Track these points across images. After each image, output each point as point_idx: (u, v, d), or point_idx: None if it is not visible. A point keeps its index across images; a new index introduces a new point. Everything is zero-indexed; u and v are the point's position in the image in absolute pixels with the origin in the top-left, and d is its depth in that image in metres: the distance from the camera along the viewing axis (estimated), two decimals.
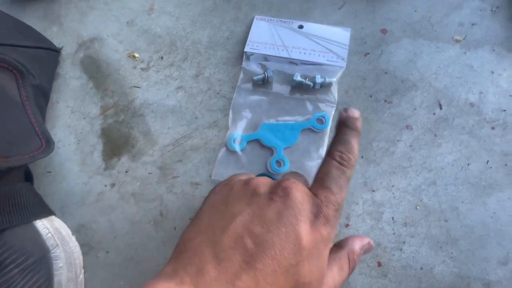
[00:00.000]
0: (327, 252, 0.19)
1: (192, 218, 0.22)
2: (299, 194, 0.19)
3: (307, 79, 0.30)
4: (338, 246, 0.21)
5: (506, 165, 0.27)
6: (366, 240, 0.22)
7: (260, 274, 0.16)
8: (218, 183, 0.23)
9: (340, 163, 0.20)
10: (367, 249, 0.22)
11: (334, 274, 0.20)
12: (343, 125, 0.20)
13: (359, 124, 0.20)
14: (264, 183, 0.20)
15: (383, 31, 0.33)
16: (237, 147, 0.29)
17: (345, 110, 0.20)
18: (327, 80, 0.29)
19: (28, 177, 0.28)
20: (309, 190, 0.20)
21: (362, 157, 0.29)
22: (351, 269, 0.21)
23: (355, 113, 0.20)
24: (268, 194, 0.19)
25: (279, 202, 0.18)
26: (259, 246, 0.17)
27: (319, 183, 0.20)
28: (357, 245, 0.21)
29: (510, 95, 0.29)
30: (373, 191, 0.28)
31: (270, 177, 0.22)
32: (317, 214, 0.18)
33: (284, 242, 0.17)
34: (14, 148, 0.24)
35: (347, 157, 0.20)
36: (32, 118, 0.27)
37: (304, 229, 0.18)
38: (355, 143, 0.20)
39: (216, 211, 0.20)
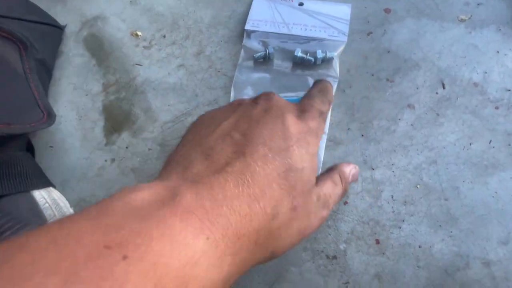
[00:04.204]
0: (316, 142, 0.19)
1: None
2: (282, 99, 0.20)
3: (308, 55, 0.29)
4: (329, 169, 0.23)
5: (509, 144, 0.27)
6: (352, 165, 0.24)
7: (251, 158, 0.16)
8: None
9: (320, 89, 0.23)
10: (353, 174, 0.24)
11: (329, 186, 0.21)
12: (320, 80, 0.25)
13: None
14: (247, 98, 0.21)
15: (387, 10, 0.32)
16: None
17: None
18: (328, 54, 0.29)
19: (30, 149, 0.29)
20: None
21: (362, 135, 0.28)
22: (344, 188, 0.23)
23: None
24: (252, 101, 0.20)
25: (264, 103, 0.19)
26: (248, 136, 0.17)
27: (303, 99, 0.22)
28: (345, 167, 0.23)
29: None
30: (373, 169, 0.27)
31: None
32: (302, 110, 0.20)
33: (272, 130, 0.18)
34: (16, 116, 0.24)
35: (326, 88, 0.24)
36: (34, 90, 0.27)
37: (291, 119, 0.18)
38: (330, 86, 0.25)
39: (202, 124, 0.20)
